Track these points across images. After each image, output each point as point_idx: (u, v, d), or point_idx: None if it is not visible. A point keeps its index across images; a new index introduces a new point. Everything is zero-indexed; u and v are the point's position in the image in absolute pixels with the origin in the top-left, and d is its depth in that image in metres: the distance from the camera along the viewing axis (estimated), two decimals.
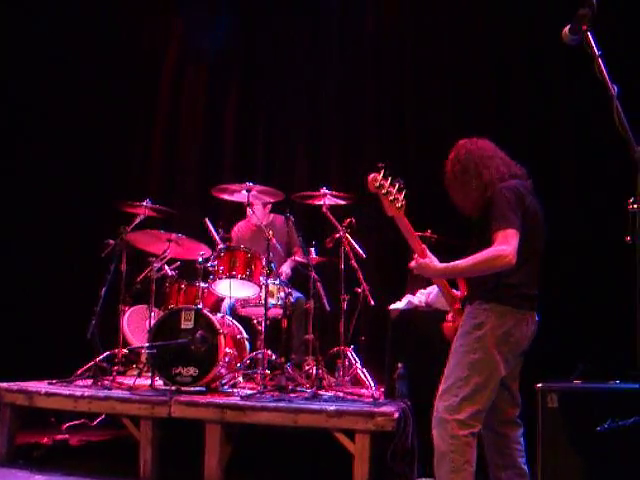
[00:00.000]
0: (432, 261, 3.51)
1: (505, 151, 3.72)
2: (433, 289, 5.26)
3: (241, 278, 5.84)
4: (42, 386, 5.51)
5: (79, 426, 6.19)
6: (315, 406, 4.78)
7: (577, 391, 4.55)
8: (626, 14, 5.97)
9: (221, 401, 4.97)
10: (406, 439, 4.58)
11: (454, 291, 3.75)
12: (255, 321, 6.33)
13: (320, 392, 5.31)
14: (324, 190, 6.15)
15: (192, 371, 5.37)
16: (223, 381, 5.66)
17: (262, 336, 5.76)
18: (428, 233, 5.41)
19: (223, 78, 8.41)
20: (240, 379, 5.80)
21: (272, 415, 4.77)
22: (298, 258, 6.55)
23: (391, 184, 3.42)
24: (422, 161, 6.96)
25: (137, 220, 6.26)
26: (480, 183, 3.53)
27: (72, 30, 8.22)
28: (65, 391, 5.36)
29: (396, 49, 7.63)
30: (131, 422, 5.13)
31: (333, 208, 6.22)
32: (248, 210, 6.43)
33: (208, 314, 5.52)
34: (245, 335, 6.05)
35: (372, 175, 3.44)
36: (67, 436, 6.02)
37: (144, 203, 6.28)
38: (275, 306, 6.01)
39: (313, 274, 5.95)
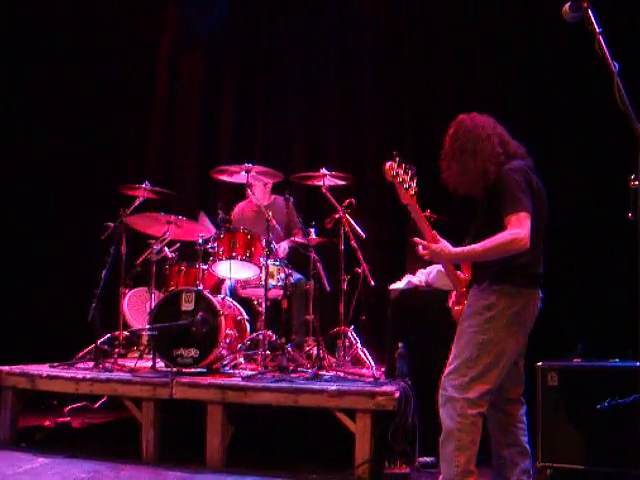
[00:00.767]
0: (446, 246, 3.49)
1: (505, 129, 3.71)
2: (433, 269, 5.26)
3: (241, 259, 5.83)
4: (44, 369, 5.52)
5: (81, 409, 6.21)
6: (316, 386, 4.80)
7: (577, 369, 4.58)
8: None
9: (222, 382, 4.98)
10: (407, 418, 4.60)
11: (459, 273, 3.76)
12: (255, 302, 6.33)
13: (321, 372, 5.33)
14: (323, 171, 6.13)
15: (193, 352, 5.38)
16: (224, 362, 5.67)
17: (262, 317, 5.76)
18: (427, 213, 5.39)
19: (220, 60, 8.36)
20: (241, 360, 5.81)
21: (273, 395, 4.79)
22: (298, 239, 6.54)
23: (405, 172, 3.44)
24: (420, 140, 6.93)
25: (136, 202, 6.24)
26: (476, 166, 3.52)
27: (68, 13, 8.18)
28: (67, 374, 5.38)
29: (394, 28, 7.57)
30: (133, 404, 5.14)
31: (332, 189, 6.21)
32: (248, 191, 6.42)
33: (208, 295, 5.52)
34: (246, 316, 6.06)
35: (389, 164, 3.46)
36: (69, 419, 6.06)
37: (143, 185, 6.26)
38: (275, 287, 6.00)
39: (313, 255, 5.95)
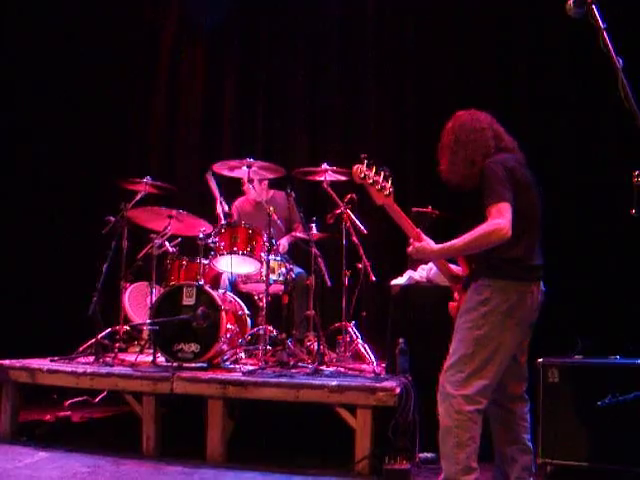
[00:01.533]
0: (428, 244, 3.52)
1: (507, 125, 3.71)
2: (434, 265, 5.25)
3: (242, 254, 5.83)
4: (44, 363, 5.52)
5: (81, 403, 6.22)
6: (317, 381, 4.80)
7: (578, 366, 4.58)
8: None
9: (223, 377, 4.98)
10: (407, 414, 4.60)
11: (455, 268, 3.75)
12: (256, 297, 6.33)
13: (321, 368, 5.33)
14: (325, 166, 6.12)
15: (194, 347, 5.38)
16: (225, 357, 5.67)
17: (263, 312, 5.76)
18: (429, 209, 5.38)
19: (222, 53, 8.35)
20: (242, 355, 5.82)
21: (274, 391, 4.79)
22: (299, 234, 6.54)
23: (376, 173, 3.44)
24: (422, 135, 6.92)
25: (138, 197, 6.23)
26: (466, 156, 3.55)
27: (70, 3, 8.17)
28: (67, 368, 5.37)
29: (397, 22, 7.56)
30: (133, 398, 5.15)
31: (334, 184, 6.20)
32: (246, 186, 6.41)
33: (209, 290, 5.52)
34: (246, 311, 6.06)
35: (356, 167, 3.48)
36: (69, 413, 6.06)
37: (144, 180, 6.26)
38: (276, 282, 6.00)
39: (314, 250, 5.94)
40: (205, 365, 5.48)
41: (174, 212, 5.99)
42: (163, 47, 8.56)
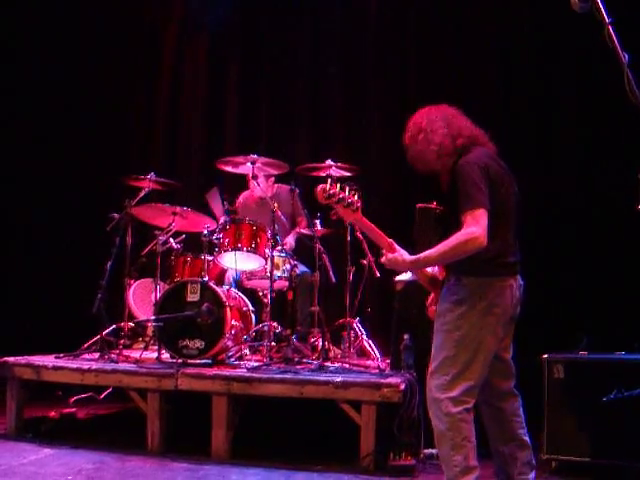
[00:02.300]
0: (402, 255, 3.48)
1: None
2: None
3: (247, 250, 5.83)
4: (49, 360, 5.52)
5: (86, 399, 6.22)
6: (321, 378, 4.80)
7: (583, 362, 4.58)
8: None
9: (227, 373, 4.99)
10: (412, 410, 4.60)
11: (433, 274, 3.71)
12: (261, 293, 6.32)
13: (326, 364, 5.32)
14: (329, 162, 6.12)
15: (198, 344, 5.38)
16: (229, 353, 5.67)
17: (268, 308, 5.75)
18: (434, 205, 5.37)
19: (225, 50, 8.34)
20: (246, 351, 5.82)
21: (278, 387, 4.80)
22: (303, 230, 6.54)
23: (341, 190, 3.42)
24: None
25: (142, 194, 6.23)
26: (425, 137, 3.53)
27: (72, 2, 8.17)
28: (72, 365, 5.39)
29: (400, 18, 7.54)
30: (138, 395, 5.15)
31: (338, 180, 6.17)
32: (251, 182, 6.41)
33: (214, 287, 5.52)
34: (251, 307, 6.06)
35: (320, 187, 3.44)
36: (74, 409, 6.06)
37: (148, 176, 6.26)
38: (281, 278, 5.99)
39: (319, 246, 5.94)
40: (210, 361, 5.47)
41: (178, 209, 5.98)
42: (166, 46, 8.55)
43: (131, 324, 6.26)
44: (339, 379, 4.71)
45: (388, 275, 5.80)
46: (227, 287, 5.96)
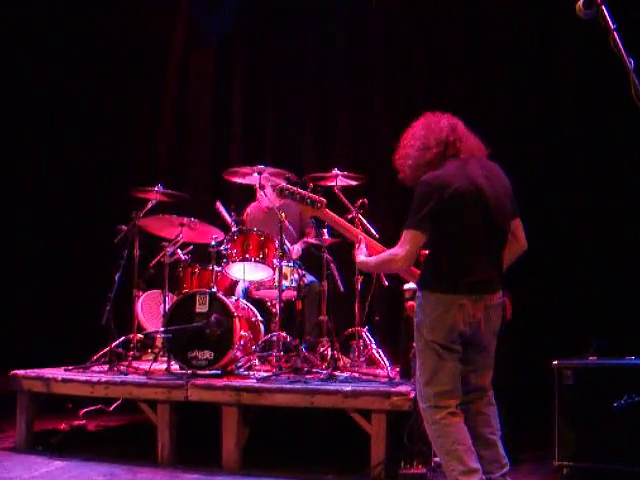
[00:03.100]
0: (357, 252, 3.65)
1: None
2: None
3: (255, 261, 5.83)
4: (59, 372, 5.54)
5: (96, 411, 6.22)
6: (331, 387, 4.80)
7: (593, 367, 4.56)
8: None
9: (237, 384, 4.99)
10: (422, 419, 4.58)
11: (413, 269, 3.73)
12: (269, 303, 6.32)
13: (336, 373, 5.32)
14: (335, 171, 6.13)
15: (208, 355, 5.38)
16: (239, 364, 5.67)
17: (277, 318, 5.75)
18: None
19: (230, 60, 8.37)
20: (256, 362, 5.81)
21: (288, 397, 4.79)
22: (311, 240, 6.54)
23: (302, 189, 3.59)
24: None
25: (149, 205, 6.24)
26: (405, 163, 3.60)
27: (78, 12, 8.19)
28: (81, 377, 5.40)
29: (405, 24, 7.56)
30: (148, 406, 5.16)
31: (345, 189, 6.20)
32: (259, 193, 6.42)
33: (222, 297, 5.52)
34: (260, 317, 6.06)
35: (278, 187, 3.65)
36: (84, 422, 6.07)
37: (155, 188, 6.27)
38: (289, 288, 5.99)
39: (326, 255, 5.94)
40: (219, 372, 5.47)
41: (185, 220, 5.99)
42: (172, 53, 8.58)
43: (140, 335, 6.26)
44: (349, 388, 4.70)
45: (396, 283, 5.81)
46: (236, 297, 5.96)
